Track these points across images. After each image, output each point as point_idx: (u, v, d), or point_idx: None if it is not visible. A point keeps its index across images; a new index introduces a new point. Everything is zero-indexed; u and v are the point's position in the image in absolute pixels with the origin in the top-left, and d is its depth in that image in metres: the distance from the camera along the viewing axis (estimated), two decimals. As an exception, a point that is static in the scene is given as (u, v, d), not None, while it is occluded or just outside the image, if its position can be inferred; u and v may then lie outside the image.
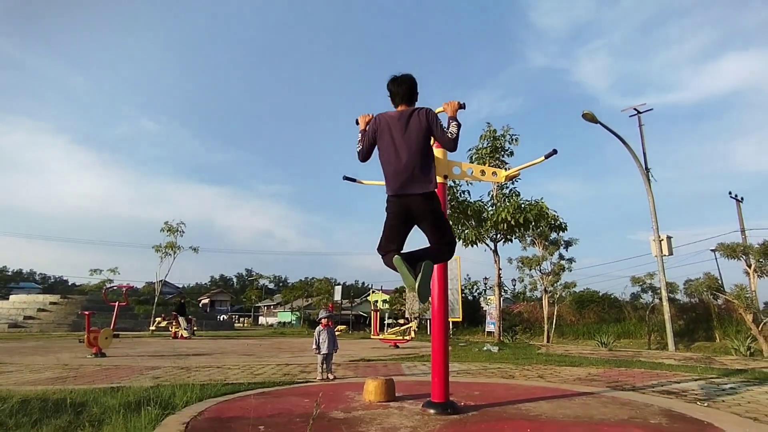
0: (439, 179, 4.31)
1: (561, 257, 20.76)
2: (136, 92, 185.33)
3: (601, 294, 26.16)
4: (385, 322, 30.31)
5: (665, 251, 14.93)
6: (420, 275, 2.89)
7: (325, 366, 6.09)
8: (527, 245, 21.13)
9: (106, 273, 33.65)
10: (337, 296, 35.85)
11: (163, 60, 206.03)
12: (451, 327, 23.64)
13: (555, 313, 21.07)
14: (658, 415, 3.79)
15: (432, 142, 3.47)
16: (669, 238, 15.13)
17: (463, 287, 28.45)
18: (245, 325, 52.26)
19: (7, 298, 27.36)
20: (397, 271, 2.99)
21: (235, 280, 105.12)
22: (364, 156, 3.41)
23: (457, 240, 3.40)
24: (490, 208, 15.51)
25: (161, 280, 27.31)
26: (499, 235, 15.57)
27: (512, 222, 14.23)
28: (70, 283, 75.37)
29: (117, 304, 11.45)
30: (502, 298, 17.91)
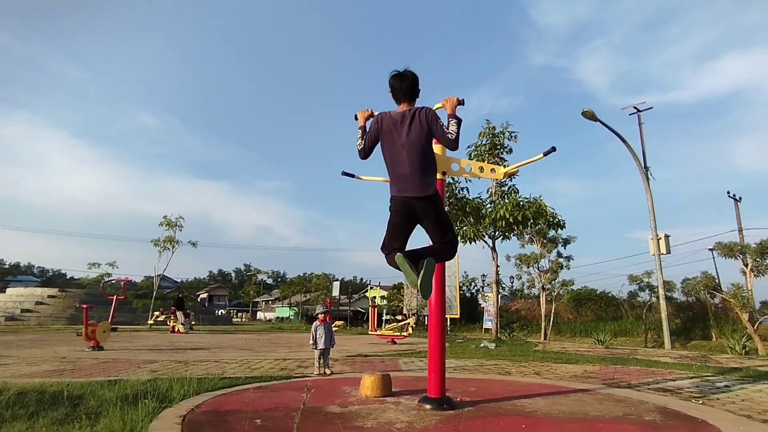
0: (438, 175, 4.31)
1: (559, 255, 20.84)
2: (136, 87, 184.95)
3: (598, 292, 26.26)
4: (383, 318, 30.36)
5: (663, 250, 14.95)
6: (422, 272, 2.92)
7: (322, 361, 6.11)
8: (525, 243, 21.18)
9: (104, 267, 33.62)
10: (336, 292, 35.83)
11: (163, 55, 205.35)
12: (448, 324, 23.70)
13: (552, 310, 21.14)
14: (653, 412, 3.82)
15: (433, 140, 3.47)
16: (667, 236, 15.15)
17: (461, 284, 28.53)
18: (243, 320, 52.28)
19: (5, 291, 27.33)
20: (400, 269, 3.02)
21: (233, 275, 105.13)
22: (365, 154, 3.41)
23: (458, 239, 3.40)
24: (489, 205, 15.51)
25: (160, 275, 27.30)
26: (497, 233, 15.58)
27: (511, 219, 14.24)
28: (68, 277, 75.39)
29: (115, 297, 11.47)
30: (499, 296, 17.94)
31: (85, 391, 4.18)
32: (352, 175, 5.10)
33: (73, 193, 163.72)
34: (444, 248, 3.25)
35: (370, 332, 17.65)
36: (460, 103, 3.49)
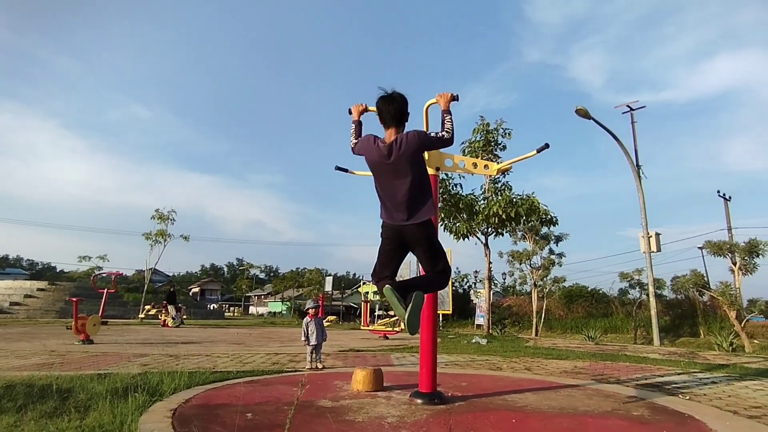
0: (431, 171, 4.31)
1: (551, 252, 20.99)
2: (127, 78, 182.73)
3: (589, 289, 26.48)
4: (376, 313, 30.42)
5: (654, 248, 15.09)
6: (410, 305, 2.83)
7: (314, 356, 6.11)
8: (518, 239, 21.31)
9: (95, 260, 33.31)
10: (328, 287, 35.86)
11: (156, 47, 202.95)
12: (440, 319, 23.80)
13: (544, 307, 21.30)
14: (641, 407, 3.86)
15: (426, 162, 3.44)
16: (658, 234, 15.29)
17: (453, 280, 28.63)
18: (235, 314, 52.16)
19: (-7, 284, 27.02)
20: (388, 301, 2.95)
21: (225, 269, 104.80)
22: (358, 152, 3.38)
23: (451, 269, 3.29)
24: (482, 202, 15.55)
25: (151, 268, 27.11)
26: (490, 229, 15.62)
27: (503, 216, 14.28)
28: (58, 270, 74.59)
29: (106, 291, 11.37)
30: (491, 292, 18.03)
31: (75, 384, 4.14)
32: (346, 170, 5.09)
33: (63, 185, 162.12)
34: (436, 278, 3.13)
35: (362, 327, 17.69)
36: (455, 98, 3.48)
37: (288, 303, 48.43)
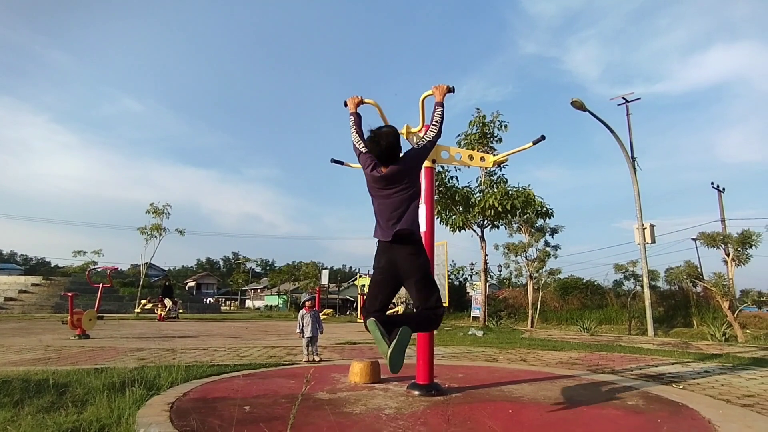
0: (427, 164, 4.30)
1: (546, 244, 21.06)
2: (121, 72, 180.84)
3: (584, 281, 26.60)
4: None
5: (648, 239, 15.18)
6: (394, 342, 2.66)
7: (310, 348, 6.13)
8: (513, 232, 21.37)
9: (90, 255, 33.20)
10: (324, 280, 35.80)
11: (150, 40, 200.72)
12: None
13: (539, 299, 21.41)
14: (636, 396, 3.90)
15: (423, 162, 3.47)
16: (652, 226, 15.37)
17: (449, 272, 28.73)
18: (232, 308, 52.15)
19: (-13, 279, 26.86)
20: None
21: (221, 263, 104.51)
22: (359, 161, 3.40)
23: (444, 308, 3.11)
24: (478, 194, 15.56)
25: (147, 263, 26.96)
26: (486, 221, 15.65)
27: (499, 208, 14.30)
28: (52, 265, 74.07)
29: (101, 285, 11.36)
30: (487, 284, 18.10)
31: (72, 379, 4.14)
32: (342, 163, 5.07)
33: (57, 180, 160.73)
34: (426, 315, 2.95)
35: (359, 320, 17.75)
36: (450, 90, 3.47)
37: (284, 296, 48.42)
